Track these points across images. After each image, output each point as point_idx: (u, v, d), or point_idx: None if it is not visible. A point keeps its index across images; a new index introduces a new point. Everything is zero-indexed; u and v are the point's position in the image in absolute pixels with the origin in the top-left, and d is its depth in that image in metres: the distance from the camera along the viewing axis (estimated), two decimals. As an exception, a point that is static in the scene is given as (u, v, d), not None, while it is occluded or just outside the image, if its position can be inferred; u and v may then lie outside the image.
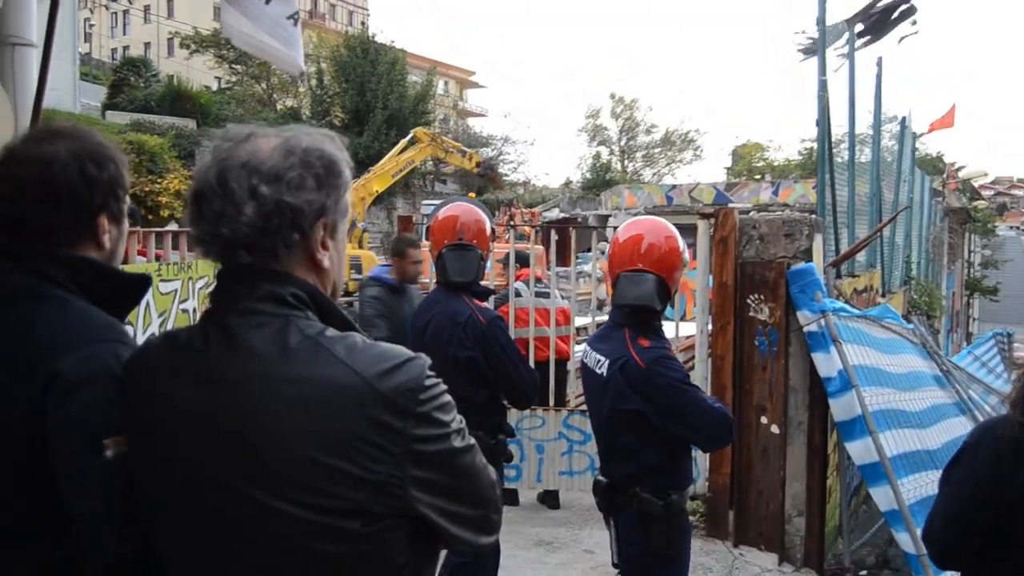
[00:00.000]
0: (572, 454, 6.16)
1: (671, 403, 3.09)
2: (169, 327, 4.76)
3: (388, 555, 1.39)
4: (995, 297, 30.56)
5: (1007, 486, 2.19)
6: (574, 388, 6.40)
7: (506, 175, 34.88)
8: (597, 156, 42.15)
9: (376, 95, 34.33)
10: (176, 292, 4.88)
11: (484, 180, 24.76)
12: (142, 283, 1.79)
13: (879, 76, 9.63)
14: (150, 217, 18.64)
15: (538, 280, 6.84)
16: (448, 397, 1.45)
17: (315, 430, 1.33)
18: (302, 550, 1.34)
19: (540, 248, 8.60)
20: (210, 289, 1.53)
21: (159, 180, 20.34)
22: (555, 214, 29.28)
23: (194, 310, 5.00)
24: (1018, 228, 52.56)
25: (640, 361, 3.11)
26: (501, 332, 3.86)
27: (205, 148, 1.50)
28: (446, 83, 55.53)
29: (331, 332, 1.42)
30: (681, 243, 3.33)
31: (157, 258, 5.02)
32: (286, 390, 1.35)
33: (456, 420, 1.45)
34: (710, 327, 6.01)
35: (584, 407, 5.76)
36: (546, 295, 6.82)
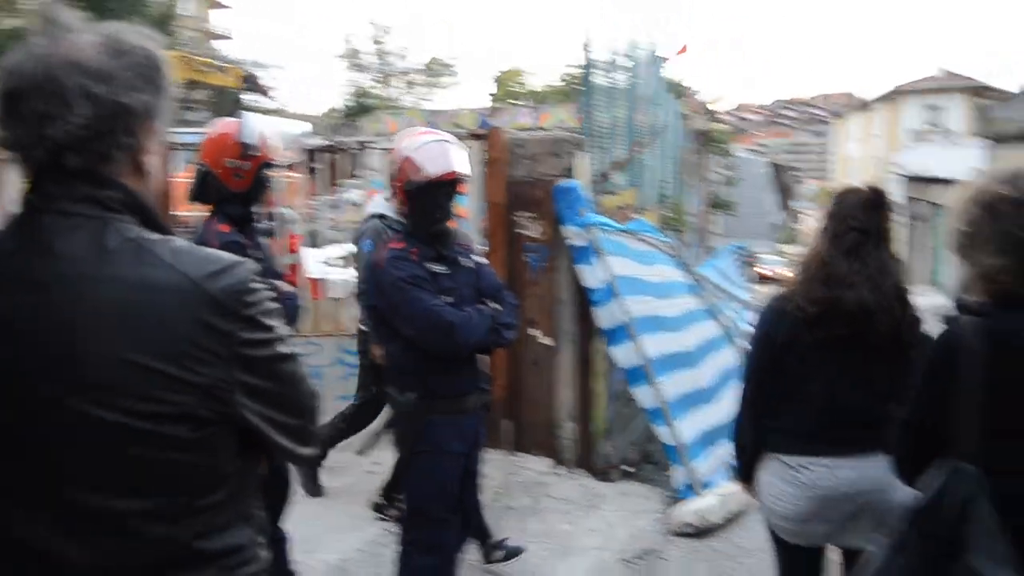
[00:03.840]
0: (351, 378, 6.11)
1: (393, 300, 3.34)
2: None
3: (217, 462, 1.37)
4: (733, 213, 33.15)
5: (773, 340, 2.88)
6: (350, 313, 6.33)
7: (255, 102, 33.19)
8: (357, 82, 41.12)
9: (115, 15, 31.62)
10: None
11: (255, 92, 23.55)
12: None
13: (635, 10, 10.01)
14: None
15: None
16: (273, 304, 1.42)
17: (139, 333, 1.28)
18: (131, 459, 1.29)
19: (300, 176, 8.33)
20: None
21: None
22: (316, 141, 28.44)
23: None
24: (753, 150, 57.00)
25: (381, 261, 3.42)
26: None
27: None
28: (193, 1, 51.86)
29: (153, 235, 1.36)
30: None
31: None
32: (105, 292, 1.29)
33: (280, 327, 1.43)
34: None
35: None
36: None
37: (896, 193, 32.48)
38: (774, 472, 2.94)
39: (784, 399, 2.93)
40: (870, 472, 2.76)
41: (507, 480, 5.53)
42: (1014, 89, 26.67)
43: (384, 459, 4.92)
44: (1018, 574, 1.71)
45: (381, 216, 4.89)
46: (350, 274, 6.57)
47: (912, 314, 2.79)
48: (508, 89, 29.59)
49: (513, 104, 24.96)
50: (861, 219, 2.82)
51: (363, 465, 5.63)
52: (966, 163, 21.06)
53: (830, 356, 2.81)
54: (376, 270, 3.46)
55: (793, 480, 2.86)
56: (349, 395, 5.90)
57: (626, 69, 10.24)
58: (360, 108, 35.74)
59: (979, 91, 38.30)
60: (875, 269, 2.77)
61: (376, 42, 39.78)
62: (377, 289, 3.44)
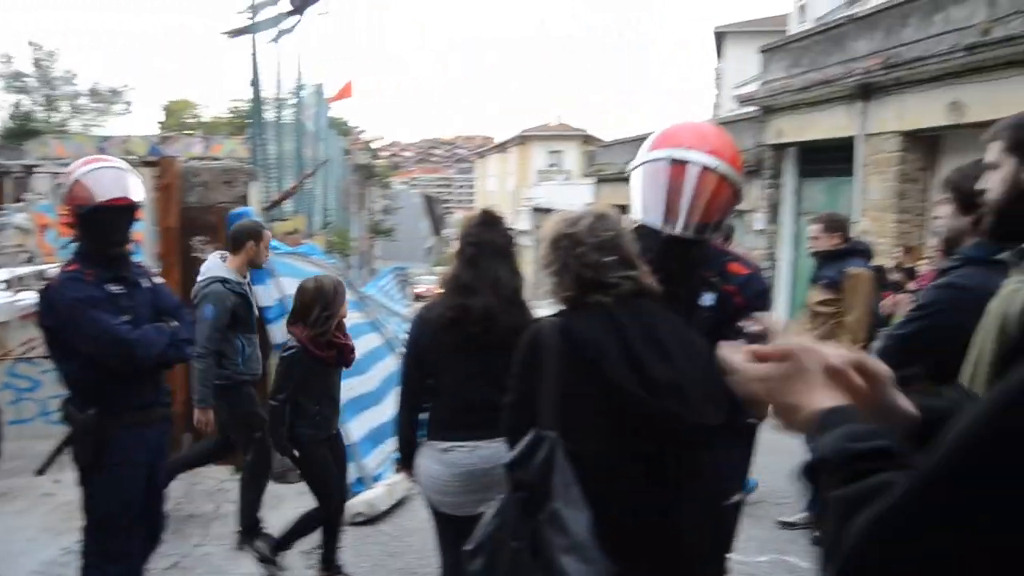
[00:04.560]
0: (21, 403, 5.48)
1: (70, 320, 3.13)
2: None
3: None
4: (392, 239, 33.86)
5: (420, 345, 3.13)
6: (17, 336, 5.68)
7: None
8: (17, 105, 36.41)
9: None
10: None
11: None
12: None
13: (301, 50, 9.97)
14: None
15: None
16: None
17: None
18: None
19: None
20: None
21: None
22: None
23: None
24: (408, 183, 58.59)
25: (54, 282, 3.23)
26: None
27: None
28: None
29: None
30: None
31: None
32: None
33: None
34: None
35: (30, 355, 5.19)
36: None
37: (527, 222, 35.02)
38: (428, 456, 3.14)
39: (432, 394, 3.15)
40: (502, 451, 3.01)
41: (189, 489, 5.26)
42: (612, 138, 29.87)
43: (64, 480, 4.49)
44: (587, 511, 1.99)
45: (223, 280, 4.53)
46: (16, 298, 5.90)
47: (528, 316, 3.05)
48: (179, 119, 27.86)
49: (184, 133, 23.55)
50: (476, 236, 3.10)
51: (41, 487, 5.09)
52: (580, 198, 23.29)
53: (464, 354, 3.05)
54: (48, 291, 3.22)
55: (442, 461, 3.08)
56: (18, 419, 5.31)
57: (293, 106, 10.16)
58: (23, 131, 31.70)
59: (588, 139, 42.39)
60: (493, 277, 3.03)
61: (38, 65, 35.43)
62: (49, 309, 3.19)
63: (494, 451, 3.00)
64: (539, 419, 2.10)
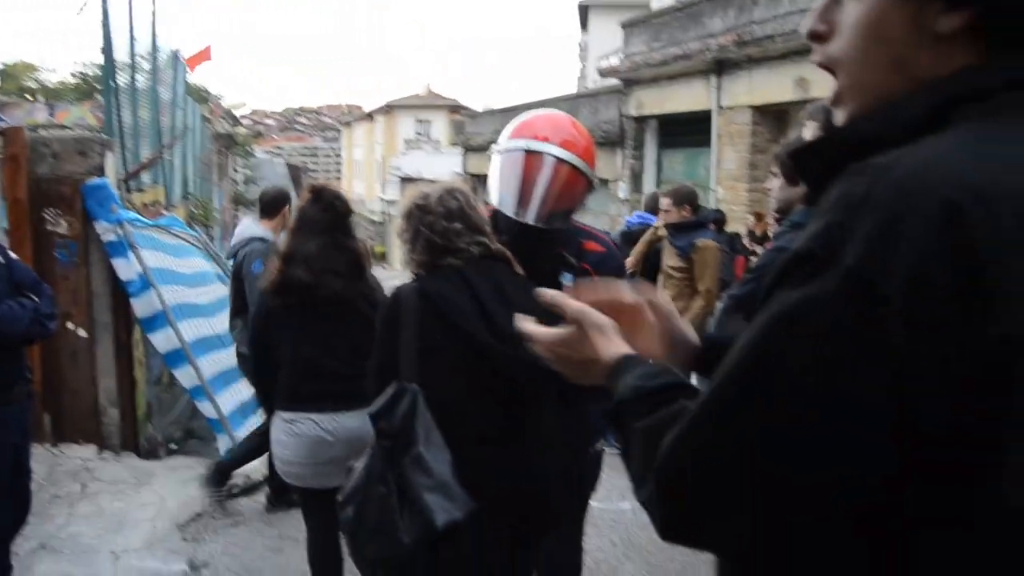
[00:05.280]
0: None
1: None
2: None
3: None
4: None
5: (260, 313, 3.21)
6: None
7: None
8: None
9: None
10: None
11: None
12: None
13: (154, 13, 9.60)
14: None
15: None
16: None
17: None
18: None
19: None
20: None
21: None
22: None
23: None
24: (271, 152, 56.85)
25: None
26: None
27: None
28: None
29: None
30: None
31: None
32: None
33: None
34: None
35: None
36: None
37: (394, 191, 34.77)
38: (277, 427, 3.19)
39: (277, 364, 3.19)
40: (350, 423, 3.10)
41: (52, 470, 5.12)
42: (480, 108, 30.00)
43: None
44: (449, 453, 2.16)
45: (262, 239, 4.63)
46: None
47: (359, 287, 3.16)
48: (18, 83, 25.96)
49: (24, 98, 22.00)
50: (303, 210, 3.19)
51: None
52: (448, 167, 23.38)
53: (295, 324, 3.13)
54: None
55: (290, 432, 3.14)
56: None
57: (147, 71, 9.76)
58: None
59: (456, 109, 42.32)
60: (306, 250, 3.08)
61: None
62: None
63: (342, 423, 3.11)
64: (401, 373, 2.26)
